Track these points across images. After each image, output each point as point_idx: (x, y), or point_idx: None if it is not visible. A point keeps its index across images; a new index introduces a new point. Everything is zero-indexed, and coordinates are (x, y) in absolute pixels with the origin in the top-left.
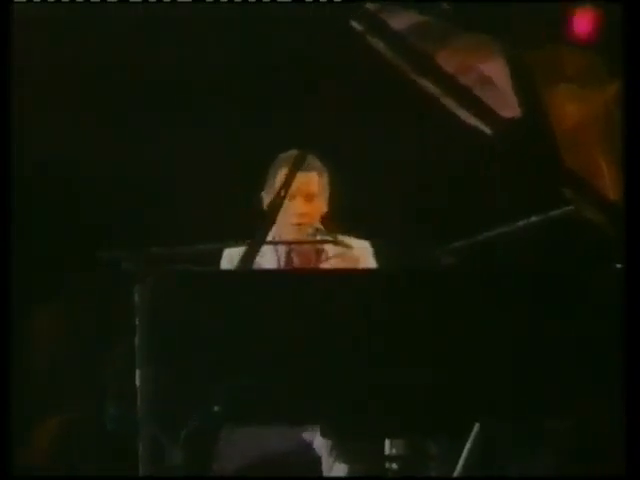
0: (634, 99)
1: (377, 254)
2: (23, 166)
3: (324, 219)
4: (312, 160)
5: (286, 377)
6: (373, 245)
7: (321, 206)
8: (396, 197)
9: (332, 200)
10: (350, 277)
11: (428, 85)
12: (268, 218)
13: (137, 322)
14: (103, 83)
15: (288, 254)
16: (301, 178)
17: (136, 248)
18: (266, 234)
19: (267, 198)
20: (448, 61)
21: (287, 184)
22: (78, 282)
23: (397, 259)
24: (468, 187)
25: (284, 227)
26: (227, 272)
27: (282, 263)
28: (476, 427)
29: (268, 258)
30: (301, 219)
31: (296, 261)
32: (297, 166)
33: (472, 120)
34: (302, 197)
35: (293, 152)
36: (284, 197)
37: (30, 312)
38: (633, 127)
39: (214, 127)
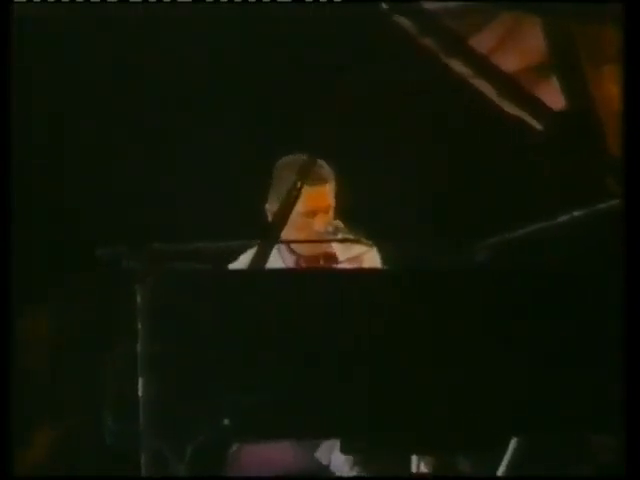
0: (634, 98)
1: (386, 255)
2: (23, 165)
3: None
4: (324, 168)
5: (302, 385)
6: (381, 247)
7: (332, 211)
8: (421, 191)
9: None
10: (369, 277)
11: (462, 70)
12: (274, 232)
13: (139, 325)
14: (103, 83)
15: (297, 263)
16: (316, 194)
17: (137, 245)
18: (271, 248)
19: (273, 208)
20: (484, 43)
21: (295, 195)
22: (77, 282)
23: (420, 258)
24: (505, 179)
25: (306, 245)
26: (234, 272)
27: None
28: (513, 442)
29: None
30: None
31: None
32: (305, 175)
33: (513, 109)
34: (322, 212)
35: (296, 157)
36: (291, 209)
37: (28, 312)
38: (633, 126)
39: (215, 125)
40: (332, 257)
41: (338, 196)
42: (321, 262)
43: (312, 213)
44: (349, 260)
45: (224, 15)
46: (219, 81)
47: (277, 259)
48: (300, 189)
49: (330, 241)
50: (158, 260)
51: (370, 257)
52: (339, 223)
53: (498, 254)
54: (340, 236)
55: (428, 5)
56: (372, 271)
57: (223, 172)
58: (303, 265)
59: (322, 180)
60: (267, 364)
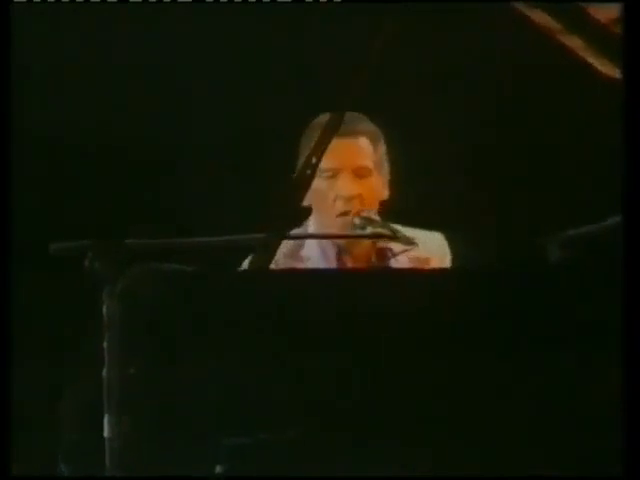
0: (634, 96)
1: (453, 249)
2: (23, 165)
3: (383, 209)
4: (359, 121)
5: (319, 420)
6: (448, 238)
7: (378, 187)
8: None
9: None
10: (417, 278)
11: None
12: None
13: (105, 343)
14: (103, 83)
15: (338, 256)
16: (345, 145)
17: (104, 239)
18: (286, 227)
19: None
20: None
21: (318, 151)
22: (27, 284)
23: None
24: (591, 159)
25: (327, 218)
26: (227, 274)
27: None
28: None
29: (314, 262)
30: (348, 205)
31: (349, 265)
32: (333, 129)
33: (608, 68)
34: (348, 172)
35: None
36: (313, 172)
37: None
38: (633, 126)
39: (214, 123)
40: (385, 249)
41: (391, 164)
42: (372, 254)
43: (334, 171)
44: (412, 260)
45: (224, 15)
46: (218, 81)
47: (314, 248)
48: (327, 143)
49: (355, 237)
50: (131, 259)
51: (424, 251)
52: (371, 213)
53: (579, 250)
54: (369, 230)
55: None
56: (441, 271)
57: (221, 169)
58: (347, 259)
59: (354, 131)
60: (275, 394)
